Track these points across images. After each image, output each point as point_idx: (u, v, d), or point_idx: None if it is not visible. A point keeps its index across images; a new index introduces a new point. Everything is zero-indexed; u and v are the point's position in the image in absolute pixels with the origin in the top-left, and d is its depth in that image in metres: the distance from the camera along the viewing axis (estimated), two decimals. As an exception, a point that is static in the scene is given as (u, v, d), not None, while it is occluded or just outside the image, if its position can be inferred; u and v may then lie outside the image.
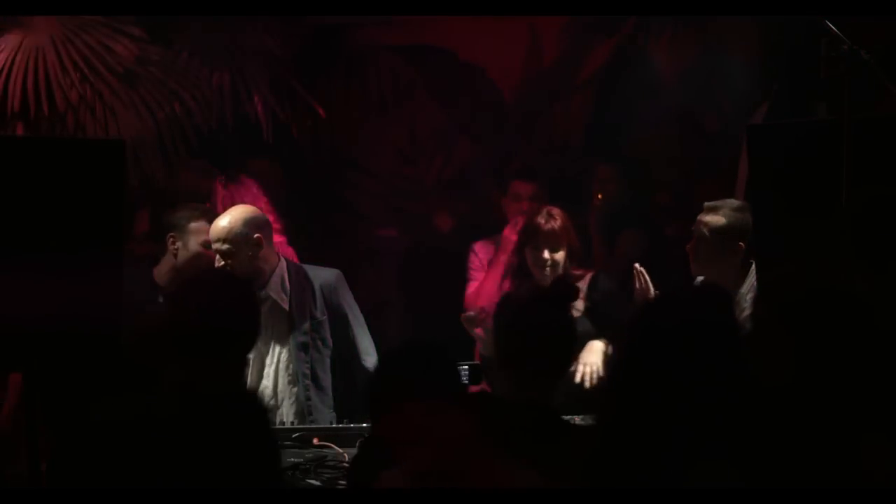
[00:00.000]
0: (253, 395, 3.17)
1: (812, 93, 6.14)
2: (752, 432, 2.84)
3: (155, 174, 6.65)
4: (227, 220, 5.25)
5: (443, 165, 7.21)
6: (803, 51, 4.62)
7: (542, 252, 5.52)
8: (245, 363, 3.69)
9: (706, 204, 5.32)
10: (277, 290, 5.29)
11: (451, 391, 3.10)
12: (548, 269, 5.52)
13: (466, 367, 4.76)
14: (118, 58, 6.61)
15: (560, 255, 5.54)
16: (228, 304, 3.65)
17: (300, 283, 5.30)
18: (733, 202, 5.29)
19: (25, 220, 3.99)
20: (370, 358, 5.29)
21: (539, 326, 3.54)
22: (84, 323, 4.00)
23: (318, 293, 5.32)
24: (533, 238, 5.54)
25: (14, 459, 4.25)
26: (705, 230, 5.21)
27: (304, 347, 5.24)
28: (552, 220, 5.52)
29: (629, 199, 6.73)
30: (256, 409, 3.19)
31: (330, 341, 5.31)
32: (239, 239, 5.20)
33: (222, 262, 5.21)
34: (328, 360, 5.31)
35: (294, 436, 4.89)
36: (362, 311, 5.43)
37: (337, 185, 7.23)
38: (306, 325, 5.27)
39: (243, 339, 3.70)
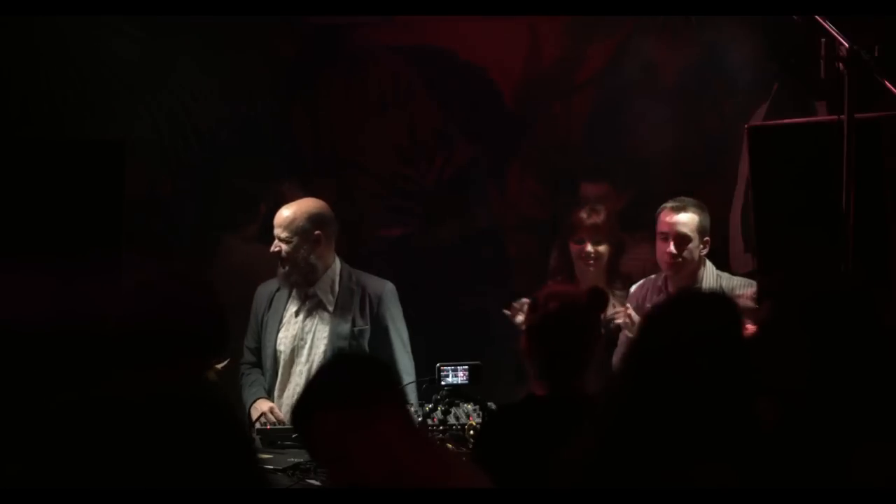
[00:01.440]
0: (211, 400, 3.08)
1: (812, 93, 6.14)
2: (755, 435, 2.84)
3: (155, 176, 6.65)
4: (293, 210, 5.33)
5: (443, 165, 7.19)
6: (803, 51, 4.63)
7: (584, 245, 5.59)
8: (204, 368, 3.54)
9: (670, 204, 5.34)
10: (326, 290, 5.31)
11: (371, 400, 2.93)
12: (591, 262, 5.56)
13: (466, 366, 4.77)
14: (118, 58, 6.61)
15: (603, 249, 5.60)
16: (179, 311, 3.46)
17: (350, 287, 5.32)
18: (690, 199, 5.35)
19: (25, 220, 3.99)
20: (406, 377, 5.25)
21: (571, 332, 3.63)
22: (83, 323, 3.99)
23: (365, 302, 5.32)
24: (575, 232, 5.59)
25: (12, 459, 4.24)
26: (685, 230, 5.23)
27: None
28: (595, 214, 5.59)
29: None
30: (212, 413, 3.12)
31: (367, 351, 5.28)
32: (299, 231, 5.25)
33: (277, 249, 5.25)
34: None
35: (294, 436, 4.88)
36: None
37: (337, 185, 7.22)
38: (347, 331, 5.26)
39: (196, 346, 3.47)
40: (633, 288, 5.55)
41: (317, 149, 7.18)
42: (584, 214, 5.59)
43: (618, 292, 5.64)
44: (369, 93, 7.15)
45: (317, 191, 7.16)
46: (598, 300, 3.75)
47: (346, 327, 5.27)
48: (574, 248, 5.61)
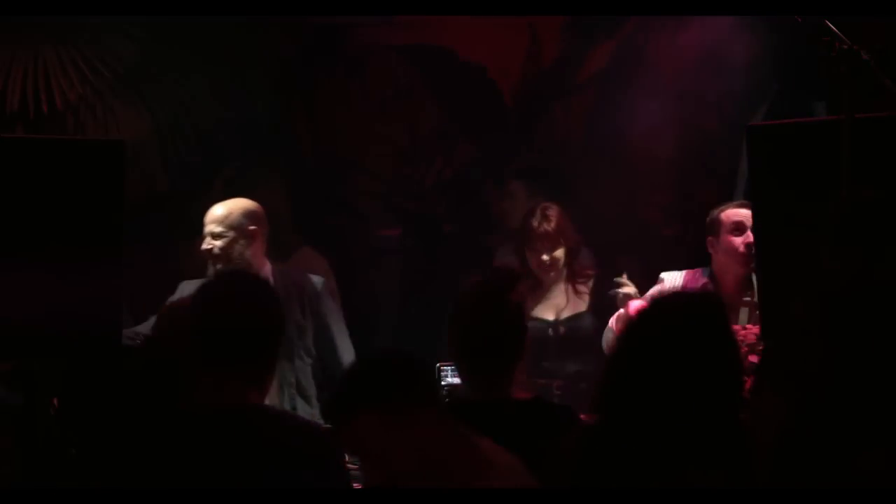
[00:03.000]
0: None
1: (812, 93, 6.14)
2: (741, 436, 2.85)
3: (155, 176, 6.66)
4: (227, 207, 5.24)
5: (443, 165, 7.20)
6: (803, 51, 4.63)
7: (539, 254, 5.54)
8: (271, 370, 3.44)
9: (732, 203, 5.35)
10: None
11: (414, 400, 2.92)
12: (550, 269, 5.54)
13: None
14: (118, 58, 6.61)
15: (559, 254, 5.56)
16: (261, 307, 3.28)
17: (287, 287, 5.17)
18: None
19: (25, 220, 3.99)
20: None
21: (484, 319, 3.49)
22: (84, 323, 3.99)
23: (304, 299, 5.28)
24: (528, 241, 5.55)
25: (12, 460, 4.25)
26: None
27: (287, 355, 5.09)
28: (545, 221, 5.52)
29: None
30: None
31: (313, 350, 5.25)
32: (234, 226, 5.17)
33: (209, 247, 5.16)
34: (310, 369, 5.25)
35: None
36: (362, 312, 5.42)
37: (337, 185, 7.23)
38: (291, 332, 5.14)
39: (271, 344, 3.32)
40: (668, 276, 5.45)
41: (317, 149, 7.19)
42: (534, 223, 5.54)
43: (581, 288, 5.63)
44: (369, 93, 7.15)
45: (317, 191, 7.19)
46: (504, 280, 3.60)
47: (289, 328, 5.15)
48: (530, 256, 5.56)
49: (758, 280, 4.27)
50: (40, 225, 3.99)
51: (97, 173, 4.07)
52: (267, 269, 5.24)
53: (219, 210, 5.22)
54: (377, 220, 7.20)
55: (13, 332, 3.97)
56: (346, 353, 5.29)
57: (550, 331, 5.59)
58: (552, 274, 5.57)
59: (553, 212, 5.57)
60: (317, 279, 5.37)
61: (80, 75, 6.55)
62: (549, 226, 5.51)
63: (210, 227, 5.17)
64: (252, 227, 5.18)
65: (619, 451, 2.82)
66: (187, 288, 5.33)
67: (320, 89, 7.09)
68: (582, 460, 2.87)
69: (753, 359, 4.40)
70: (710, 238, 5.32)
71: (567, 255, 5.58)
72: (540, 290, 5.62)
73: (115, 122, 6.56)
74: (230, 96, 6.77)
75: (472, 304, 3.54)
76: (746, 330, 4.80)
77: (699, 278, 5.39)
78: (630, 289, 5.22)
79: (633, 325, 3.01)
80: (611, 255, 6.52)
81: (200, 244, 5.20)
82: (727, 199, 6.02)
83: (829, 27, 3.92)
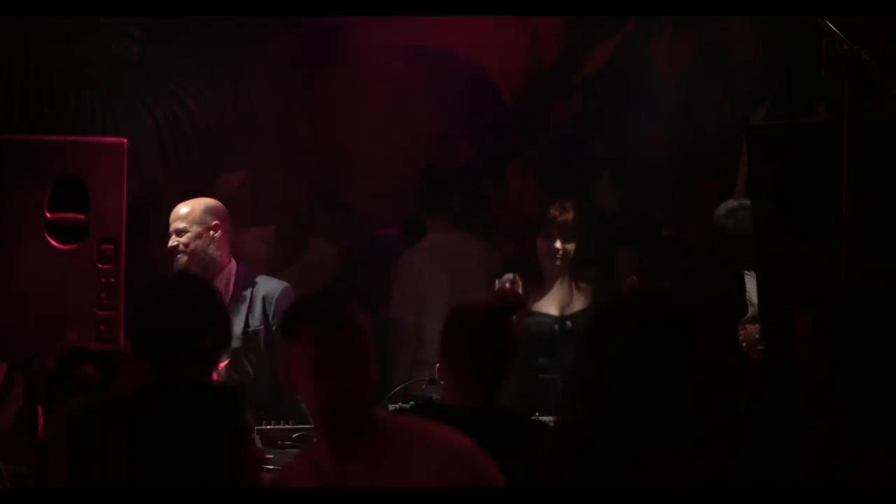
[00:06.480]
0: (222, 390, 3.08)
1: (812, 93, 6.14)
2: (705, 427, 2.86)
3: (155, 176, 6.65)
4: (190, 204, 5.31)
5: (443, 166, 7.19)
6: (803, 51, 4.63)
7: (554, 241, 5.65)
8: (212, 360, 3.53)
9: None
10: (220, 289, 5.25)
11: None
12: (558, 259, 5.63)
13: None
14: (118, 58, 6.61)
15: (571, 246, 5.66)
16: (189, 302, 3.45)
17: (245, 286, 5.26)
18: None
19: (26, 220, 3.99)
20: None
21: (484, 337, 3.66)
22: (86, 323, 4.00)
23: (257, 303, 5.28)
24: (546, 228, 5.64)
25: (15, 459, 4.25)
26: None
27: (233, 354, 5.10)
28: (566, 211, 5.66)
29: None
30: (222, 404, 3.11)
31: (263, 353, 5.25)
32: (198, 221, 5.22)
33: (175, 243, 5.20)
34: (252, 371, 5.24)
35: (294, 436, 4.88)
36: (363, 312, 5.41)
37: (337, 185, 7.23)
38: (239, 331, 5.16)
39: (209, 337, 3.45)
40: None
41: (317, 148, 7.19)
42: (555, 212, 5.68)
43: (582, 285, 5.73)
44: (369, 93, 7.15)
45: (316, 190, 7.19)
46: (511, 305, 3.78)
47: (238, 327, 5.17)
48: (543, 244, 5.68)
49: (758, 280, 4.27)
50: (42, 224, 4.00)
51: (98, 173, 4.07)
52: (230, 269, 5.28)
53: (182, 208, 5.29)
54: (377, 220, 7.20)
55: (14, 332, 3.98)
56: None
57: (556, 326, 5.65)
58: (558, 264, 5.64)
59: (571, 205, 5.72)
60: (277, 284, 5.38)
61: (81, 75, 6.55)
62: (569, 216, 5.61)
63: (174, 225, 5.25)
64: (215, 222, 5.24)
65: (584, 450, 2.85)
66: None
67: (320, 89, 7.09)
68: (550, 462, 2.90)
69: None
70: None
71: (577, 249, 5.67)
72: (541, 286, 5.71)
73: (115, 122, 6.56)
74: (230, 96, 6.77)
75: (482, 320, 3.68)
76: (746, 330, 4.81)
77: None
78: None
79: (595, 326, 3.02)
80: (610, 253, 6.54)
81: (166, 243, 5.25)
82: (727, 199, 6.04)
83: (829, 27, 3.92)
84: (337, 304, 3.07)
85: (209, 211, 5.28)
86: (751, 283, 5.47)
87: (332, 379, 2.94)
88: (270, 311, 5.29)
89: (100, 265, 4.03)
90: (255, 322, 5.25)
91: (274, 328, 5.18)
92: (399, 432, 3.04)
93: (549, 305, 5.71)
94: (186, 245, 5.21)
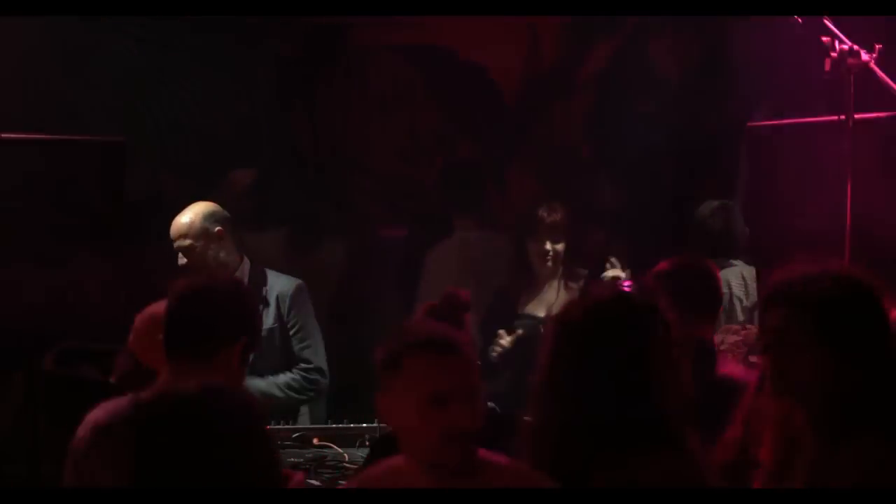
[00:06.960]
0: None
1: (812, 93, 6.13)
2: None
3: (155, 176, 6.65)
4: (188, 216, 5.26)
5: (443, 166, 7.19)
6: (803, 51, 4.62)
7: (543, 244, 5.67)
8: (242, 363, 3.55)
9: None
10: None
11: None
12: (549, 260, 5.65)
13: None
14: (119, 57, 6.61)
15: (560, 247, 5.71)
16: (224, 303, 3.51)
17: (258, 287, 5.24)
18: None
19: (26, 219, 3.99)
20: (320, 378, 5.27)
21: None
22: (84, 322, 4.00)
23: (272, 301, 5.28)
24: (535, 230, 5.65)
25: (14, 459, 4.25)
26: None
27: None
28: (554, 212, 5.68)
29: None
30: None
31: (277, 350, 5.26)
32: (202, 233, 5.20)
33: (184, 261, 5.19)
34: (267, 369, 5.23)
35: (294, 435, 4.89)
36: (364, 312, 5.41)
37: (337, 185, 7.22)
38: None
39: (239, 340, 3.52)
40: None
41: (317, 149, 7.18)
42: (543, 213, 5.69)
43: (572, 284, 5.76)
44: (369, 93, 7.15)
45: (316, 190, 7.19)
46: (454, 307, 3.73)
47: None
48: (532, 246, 5.70)
49: (758, 280, 4.27)
50: (41, 224, 4.00)
51: (98, 173, 4.08)
52: (243, 268, 5.27)
53: (182, 221, 5.24)
54: (377, 220, 7.19)
55: (14, 332, 3.98)
56: (315, 356, 5.28)
57: (542, 328, 5.64)
58: (549, 265, 5.67)
59: (560, 206, 5.76)
60: (293, 282, 5.37)
61: (82, 75, 6.55)
62: (557, 217, 5.67)
63: (178, 243, 5.21)
64: (217, 228, 5.22)
65: (560, 449, 2.86)
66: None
67: (320, 89, 7.09)
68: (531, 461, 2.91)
69: (754, 359, 4.40)
70: None
71: (566, 251, 5.69)
72: (533, 287, 5.73)
73: (115, 122, 6.56)
74: (230, 96, 6.77)
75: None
76: (747, 330, 4.81)
77: None
78: (617, 272, 5.33)
79: (556, 327, 3.03)
80: (608, 253, 6.53)
81: (176, 261, 5.23)
82: (727, 198, 6.05)
83: (829, 27, 3.92)
84: (443, 332, 2.92)
85: (208, 218, 5.25)
86: (732, 276, 5.53)
87: (444, 411, 2.78)
88: (285, 309, 5.29)
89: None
90: (270, 321, 5.24)
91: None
92: (499, 473, 2.87)
93: (538, 308, 5.74)
94: (196, 262, 5.19)
